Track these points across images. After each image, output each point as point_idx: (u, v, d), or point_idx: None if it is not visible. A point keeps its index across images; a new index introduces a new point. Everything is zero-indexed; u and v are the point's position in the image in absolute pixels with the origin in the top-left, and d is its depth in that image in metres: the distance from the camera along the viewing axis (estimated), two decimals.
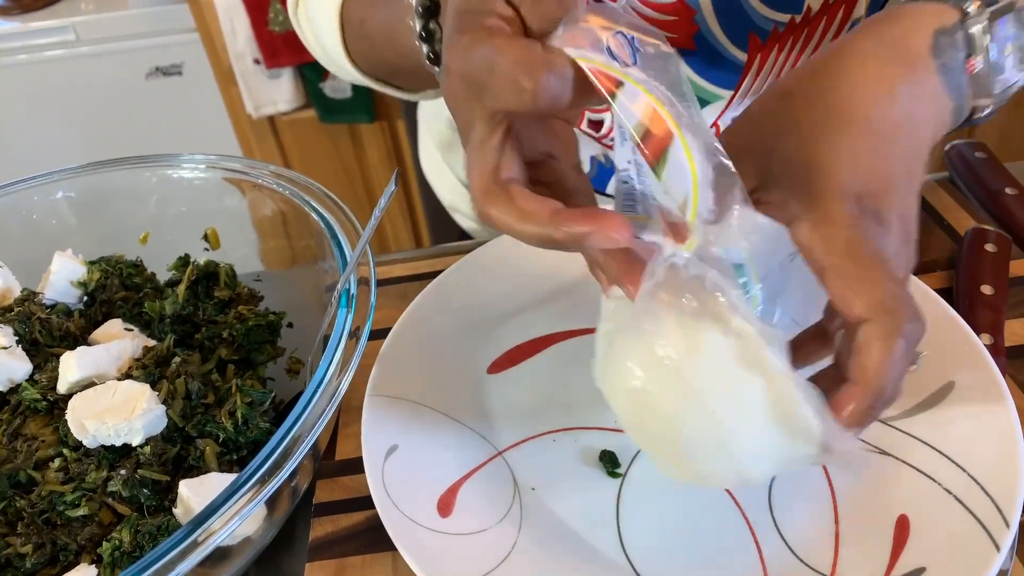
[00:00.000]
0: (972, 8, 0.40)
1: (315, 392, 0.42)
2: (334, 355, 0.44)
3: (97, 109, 1.72)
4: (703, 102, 0.68)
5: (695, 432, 0.35)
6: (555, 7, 0.31)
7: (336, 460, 0.51)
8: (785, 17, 0.61)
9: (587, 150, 0.70)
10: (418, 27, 0.46)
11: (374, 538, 0.46)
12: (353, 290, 0.48)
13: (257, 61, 1.56)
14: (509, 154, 0.33)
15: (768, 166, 0.37)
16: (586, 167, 0.70)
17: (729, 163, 0.31)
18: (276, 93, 1.62)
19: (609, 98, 0.30)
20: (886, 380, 0.33)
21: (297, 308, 0.59)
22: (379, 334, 0.54)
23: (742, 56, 0.64)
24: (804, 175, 0.36)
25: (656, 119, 0.29)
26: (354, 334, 0.46)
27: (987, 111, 0.42)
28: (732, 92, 0.67)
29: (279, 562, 0.48)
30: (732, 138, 0.39)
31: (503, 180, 0.33)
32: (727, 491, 0.46)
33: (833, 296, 0.34)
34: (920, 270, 0.58)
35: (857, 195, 0.35)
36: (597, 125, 0.70)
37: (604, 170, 0.72)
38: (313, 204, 0.56)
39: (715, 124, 0.69)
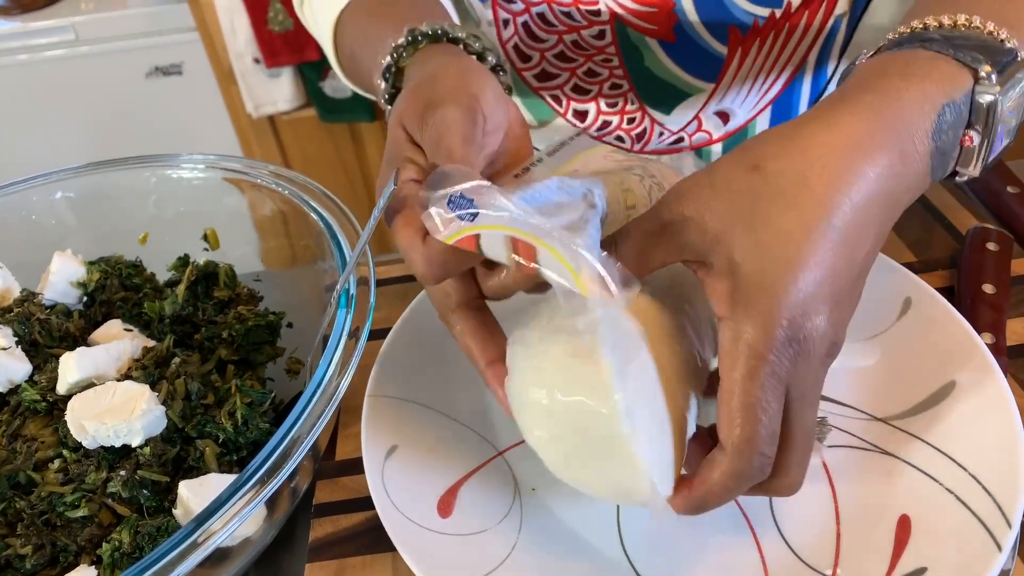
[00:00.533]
0: (984, 71, 0.36)
1: (314, 393, 0.42)
2: (333, 355, 0.44)
3: (97, 109, 1.72)
4: (684, 94, 0.67)
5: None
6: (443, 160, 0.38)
7: (336, 460, 0.51)
8: (765, 11, 0.61)
9: None
10: (384, 91, 0.50)
11: (374, 539, 0.46)
12: (352, 290, 0.48)
13: (257, 60, 1.56)
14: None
15: (730, 255, 0.35)
16: None
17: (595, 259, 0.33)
18: (276, 92, 1.62)
19: (479, 253, 0.35)
20: (706, 499, 0.37)
21: (297, 308, 0.59)
22: (379, 334, 0.54)
23: (722, 49, 0.64)
24: (754, 281, 0.34)
25: (517, 243, 0.34)
26: (353, 334, 0.46)
27: (965, 178, 0.40)
28: (713, 84, 0.67)
29: (279, 563, 0.48)
30: (708, 216, 0.36)
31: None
32: (735, 502, 0.45)
33: (717, 405, 0.36)
34: (922, 269, 0.58)
35: (791, 319, 0.34)
36: (582, 115, 0.70)
37: None
38: (312, 204, 0.56)
39: (696, 117, 0.69)
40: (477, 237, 0.35)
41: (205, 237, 0.62)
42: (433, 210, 0.35)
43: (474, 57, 0.47)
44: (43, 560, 0.45)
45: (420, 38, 0.47)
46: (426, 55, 0.46)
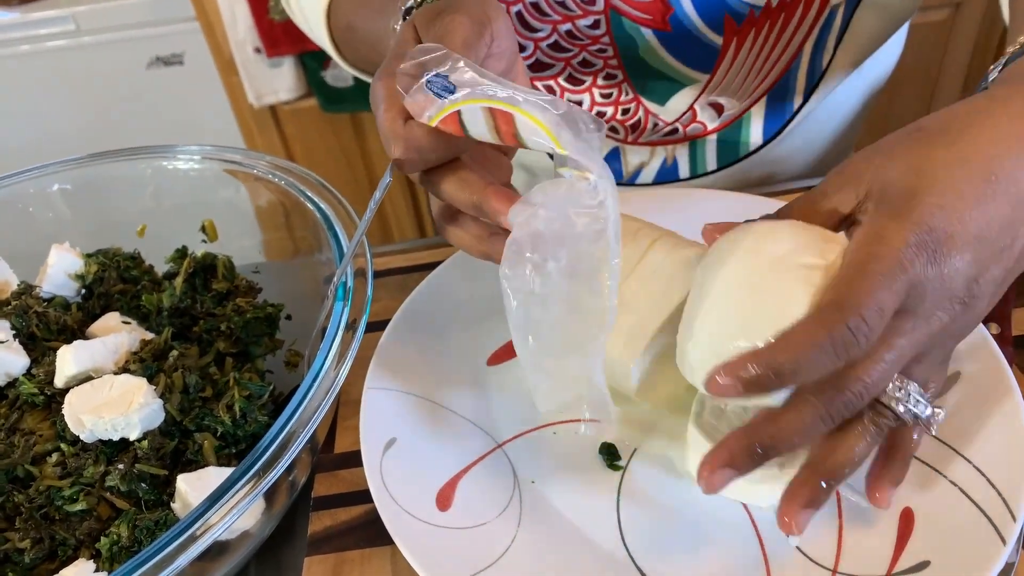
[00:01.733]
0: None
1: (312, 385, 0.42)
2: (331, 348, 0.43)
3: (98, 99, 1.71)
4: (679, 85, 0.67)
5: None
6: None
7: (335, 453, 0.51)
8: (761, 0, 0.60)
9: None
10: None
11: (373, 532, 0.45)
12: (350, 282, 0.48)
13: (258, 50, 1.55)
14: None
15: (880, 180, 0.36)
16: None
17: (568, 108, 0.36)
18: (277, 82, 1.61)
19: (463, 133, 0.36)
20: (790, 351, 0.33)
21: (296, 300, 0.58)
22: (378, 326, 0.54)
23: (718, 39, 0.63)
24: (903, 189, 0.35)
25: (495, 114, 0.35)
26: (351, 326, 0.46)
27: None
28: (708, 75, 0.66)
29: (279, 556, 0.48)
30: (871, 153, 0.38)
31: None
32: None
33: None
34: None
35: (932, 227, 0.34)
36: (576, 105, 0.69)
37: None
38: (310, 195, 0.55)
39: (691, 108, 0.68)
40: (459, 116, 0.36)
41: (203, 229, 0.62)
42: (413, 91, 0.37)
43: None
44: (42, 554, 0.45)
45: None
46: None
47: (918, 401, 0.36)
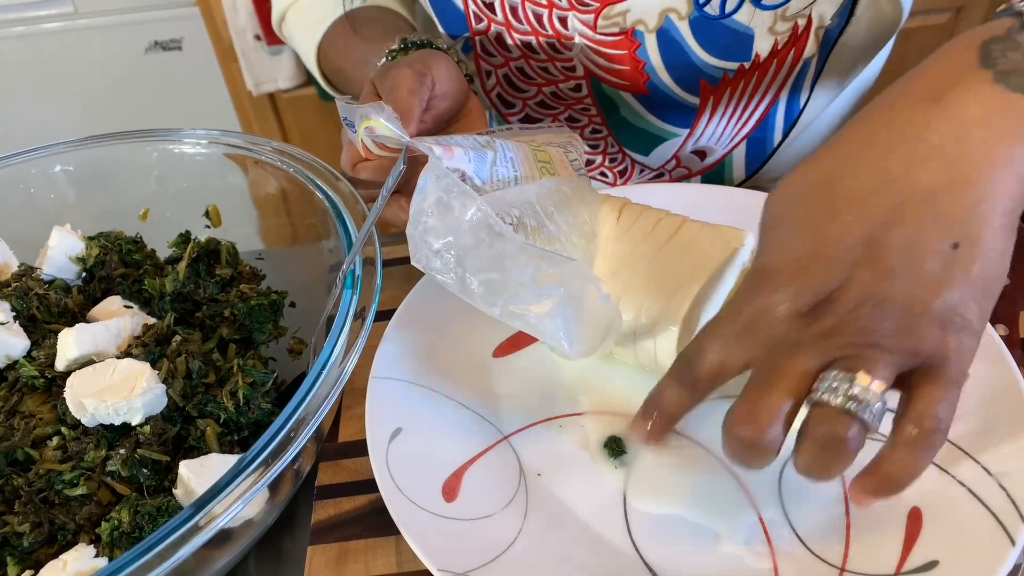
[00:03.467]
0: None
1: (319, 374, 0.41)
2: (339, 337, 0.43)
3: (95, 83, 1.70)
4: (659, 139, 0.70)
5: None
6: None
7: (339, 442, 0.50)
8: (734, 65, 0.62)
9: None
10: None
11: (377, 522, 0.45)
12: (358, 271, 0.47)
13: (258, 37, 1.54)
14: None
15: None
16: None
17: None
18: (277, 70, 1.59)
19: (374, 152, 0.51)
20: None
21: (300, 287, 0.58)
22: (384, 315, 0.53)
23: (694, 100, 0.66)
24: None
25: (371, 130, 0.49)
26: (359, 316, 0.45)
27: None
28: (688, 129, 0.69)
29: (281, 545, 0.47)
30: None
31: None
32: (736, 479, 0.45)
33: None
34: None
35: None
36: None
37: None
38: (317, 182, 0.55)
39: (675, 156, 0.72)
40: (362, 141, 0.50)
41: (207, 214, 0.61)
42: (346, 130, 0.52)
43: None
44: (41, 538, 0.44)
45: (410, 45, 0.58)
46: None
47: (832, 389, 0.32)
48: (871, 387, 0.32)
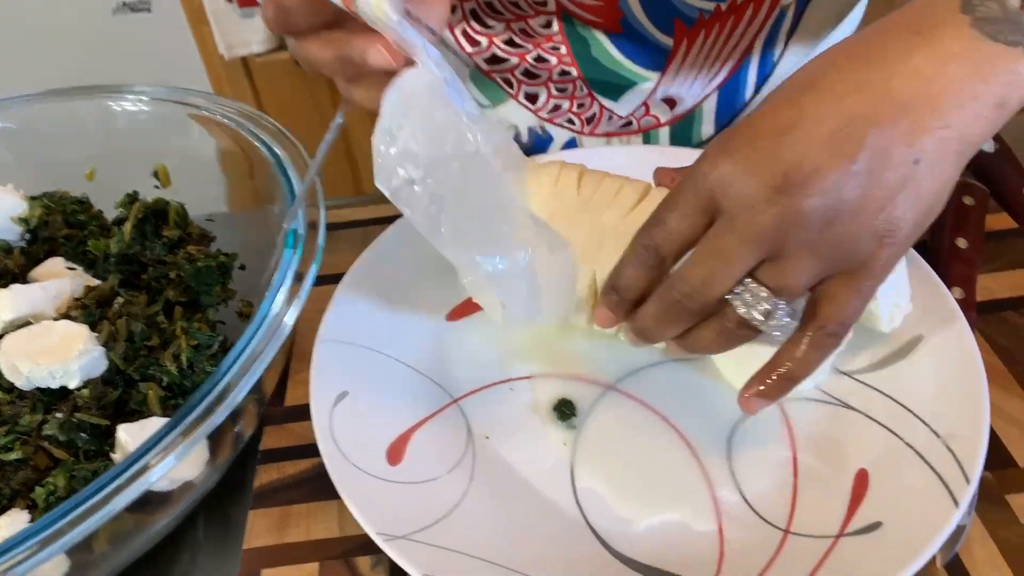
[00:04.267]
0: None
1: (255, 332, 0.40)
2: (276, 295, 0.42)
3: (61, 44, 1.65)
4: (629, 83, 0.68)
5: None
6: None
7: (285, 407, 0.49)
8: (711, 5, 0.60)
9: (524, 121, 0.71)
10: None
11: (320, 486, 0.44)
12: (301, 229, 0.46)
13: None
14: None
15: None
16: (524, 137, 0.72)
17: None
18: (249, 33, 1.56)
19: None
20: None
21: (252, 250, 0.56)
22: (335, 278, 0.52)
23: (668, 40, 0.63)
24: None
25: None
26: (300, 274, 0.44)
27: None
28: (660, 73, 0.67)
29: (227, 510, 0.46)
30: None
31: None
32: (685, 442, 0.44)
33: None
34: None
35: (727, 137, 0.35)
36: (533, 98, 0.70)
37: (540, 140, 0.72)
38: (266, 140, 0.53)
39: (644, 103, 0.69)
40: None
41: (156, 174, 0.59)
42: None
43: None
44: None
45: None
46: None
47: (754, 302, 0.35)
48: (780, 312, 0.34)
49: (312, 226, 0.46)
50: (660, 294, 0.37)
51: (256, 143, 0.53)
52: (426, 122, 0.37)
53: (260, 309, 0.41)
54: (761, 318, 0.35)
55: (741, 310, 0.35)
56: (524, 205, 0.41)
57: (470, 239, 0.40)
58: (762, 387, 0.37)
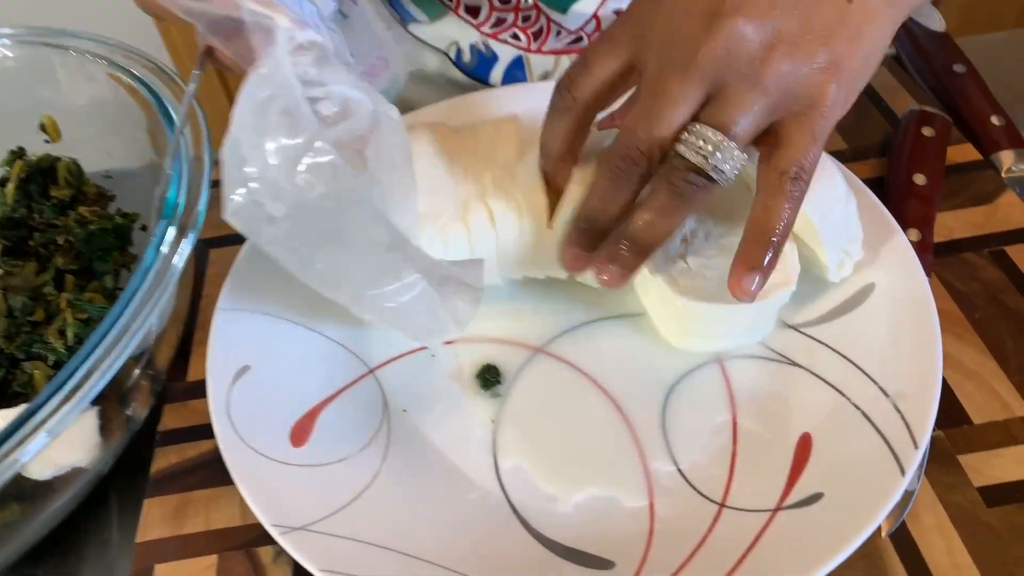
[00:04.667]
0: None
1: (123, 310, 0.35)
2: (151, 266, 0.37)
3: None
4: None
5: None
6: None
7: (188, 382, 0.45)
8: None
9: (465, 38, 0.64)
10: None
11: (222, 469, 0.40)
12: (176, 196, 0.40)
13: None
14: None
15: None
16: (466, 56, 0.65)
17: None
18: None
19: None
20: None
21: (153, 210, 0.51)
22: (236, 239, 0.47)
23: None
24: None
25: None
26: (183, 227, 0.39)
27: None
28: None
29: (125, 499, 0.43)
30: None
31: None
32: (618, 409, 0.41)
33: None
34: (852, 157, 0.53)
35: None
36: (474, 11, 0.63)
37: (484, 59, 0.66)
38: (153, 86, 0.48)
39: (595, 16, 0.63)
40: None
41: (43, 127, 0.54)
42: None
43: None
44: None
45: None
46: None
47: (702, 144, 0.33)
48: (731, 149, 0.33)
49: (195, 179, 0.41)
50: (605, 157, 0.35)
51: (145, 91, 0.48)
52: (288, 142, 0.31)
53: (129, 284, 0.36)
54: (712, 160, 0.33)
55: (689, 154, 0.33)
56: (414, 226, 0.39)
57: (355, 277, 0.35)
58: (749, 260, 0.35)
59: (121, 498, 0.43)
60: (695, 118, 0.33)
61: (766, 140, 0.34)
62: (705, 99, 0.33)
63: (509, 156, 0.42)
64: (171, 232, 0.38)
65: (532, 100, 0.43)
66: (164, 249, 0.38)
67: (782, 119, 0.34)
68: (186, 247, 0.38)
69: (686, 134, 0.33)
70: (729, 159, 0.33)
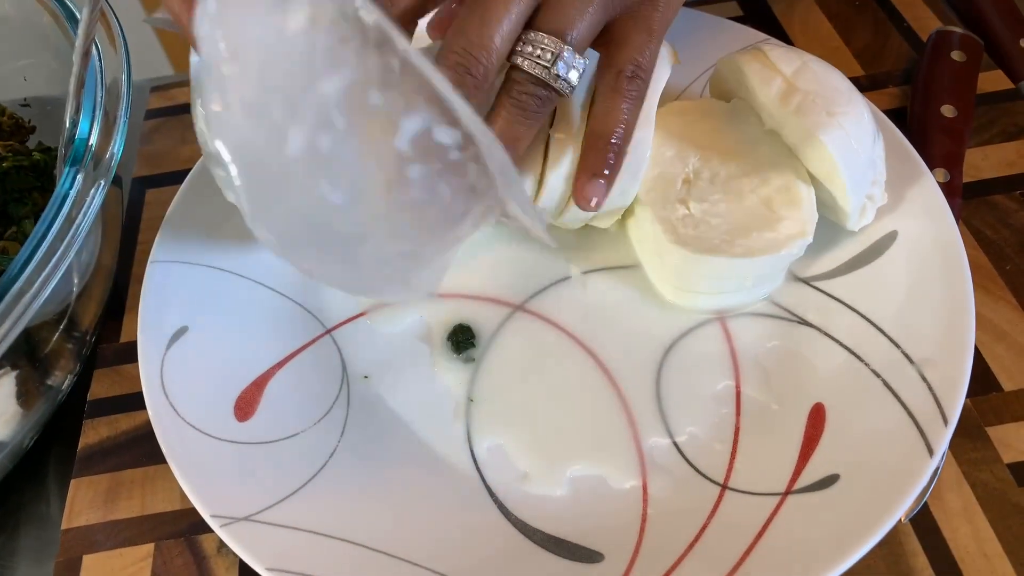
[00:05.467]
0: None
1: (23, 267, 0.30)
2: (55, 217, 0.31)
3: None
4: None
5: None
6: None
7: (120, 344, 0.40)
8: None
9: None
10: None
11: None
12: (89, 136, 0.34)
13: None
14: None
15: None
16: None
17: None
18: None
19: None
20: None
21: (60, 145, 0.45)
22: (172, 178, 0.42)
23: None
24: None
25: None
26: (97, 159, 0.33)
27: None
28: None
29: (51, 478, 0.38)
30: None
31: None
32: (605, 372, 0.36)
33: None
34: (870, 86, 0.47)
35: None
36: None
37: None
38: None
39: None
40: None
41: None
42: None
43: None
44: None
45: None
46: None
47: (539, 53, 0.31)
48: (569, 58, 0.31)
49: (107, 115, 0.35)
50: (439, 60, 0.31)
51: (54, 2, 0.41)
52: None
53: (29, 239, 0.31)
54: (551, 70, 0.31)
55: (528, 65, 0.31)
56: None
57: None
58: (591, 166, 0.33)
59: (58, 475, 0.39)
60: (528, 26, 0.31)
61: (603, 41, 0.33)
62: (536, 4, 0.31)
63: None
64: (80, 176, 0.32)
65: None
66: (72, 194, 0.32)
67: (617, 17, 0.33)
68: (98, 193, 0.32)
69: (521, 44, 0.31)
70: (570, 67, 0.31)
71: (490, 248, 0.40)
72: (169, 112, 0.50)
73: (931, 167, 0.40)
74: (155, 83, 0.52)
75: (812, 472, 0.32)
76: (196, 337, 0.37)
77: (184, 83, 0.52)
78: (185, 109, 0.50)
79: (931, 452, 0.30)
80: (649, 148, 0.35)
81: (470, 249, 0.40)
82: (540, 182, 0.35)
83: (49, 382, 0.36)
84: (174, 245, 0.39)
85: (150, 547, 0.34)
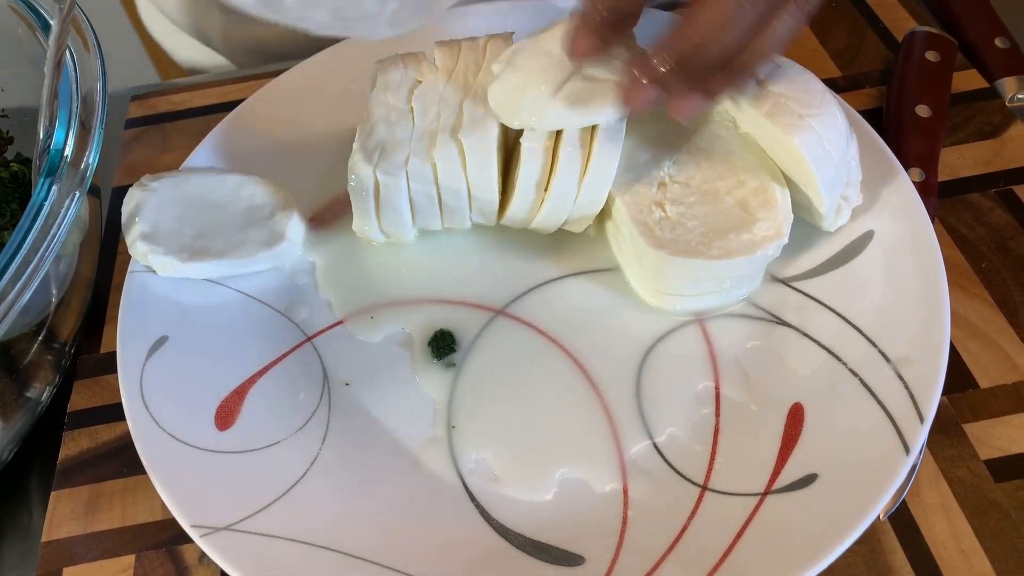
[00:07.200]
0: None
1: (6, 266, 0.30)
2: (30, 227, 0.31)
3: None
4: None
5: None
6: None
7: (100, 354, 0.40)
8: None
9: None
10: None
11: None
12: (63, 146, 0.34)
13: None
14: None
15: None
16: None
17: None
18: None
19: None
20: None
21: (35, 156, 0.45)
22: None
23: None
24: None
25: None
26: (76, 161, 0.33)
27: None
28: None
29: (31, 490, 0.38)
30: None
31: None
32: (586, 375, 0.36)
33: None
34: (847, 86, 0.47)
35: None
36: None
37: None
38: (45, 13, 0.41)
39: None
40: None
41: None
42: None
43: None
44: None
45: None
46: None
47: None
48: None
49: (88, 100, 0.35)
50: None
51: (25, 9, 0.40)
52: None
53: (10, 242, 0.31)
54: None
55: None
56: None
57: None
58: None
59: (39, 487, 0.39)
60: None
61: None
62: None
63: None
64: (55, 187, 0.32)
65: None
66: (48, 204, 0.32)
67: None
68: (74, 204, 0.32)
69: None
70: None
71: (471, 254, 0.40)
72: (149, 121, 0.50)
73: (906, 167, 0.40)
74: (135, 92, 0.52)
75: (791, 472, 0.32)
76: (176, 347, 0.37)
77: (165, 91, 0.52)
78: (166, 118, 0.50)
79: (908, 450, 0.31)
80: (617, 159, 0.35)
81: (451, 251, 0.40)
82: (511, 189, 0.35)
83: (28, 394, 0.36)
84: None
85: (131, 558, 0.33)
